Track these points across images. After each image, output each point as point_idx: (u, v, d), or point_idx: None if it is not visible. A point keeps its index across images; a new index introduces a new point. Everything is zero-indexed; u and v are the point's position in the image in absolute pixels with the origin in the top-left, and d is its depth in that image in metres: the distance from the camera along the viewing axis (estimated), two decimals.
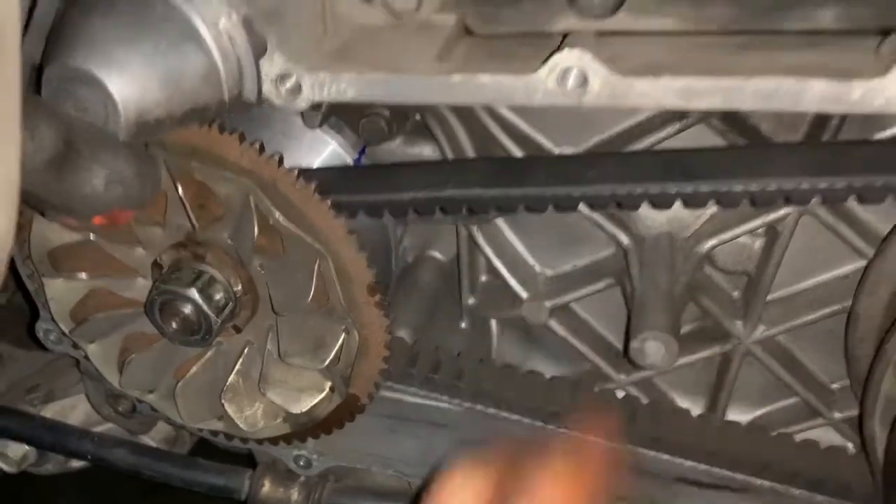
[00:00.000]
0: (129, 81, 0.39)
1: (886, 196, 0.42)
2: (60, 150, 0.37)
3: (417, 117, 0.55)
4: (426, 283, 0.64)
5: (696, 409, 0.59)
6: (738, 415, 0.59)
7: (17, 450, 0.71)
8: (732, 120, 0.48)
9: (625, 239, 0.52)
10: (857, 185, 0.42)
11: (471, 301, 0.62)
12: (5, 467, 0.72)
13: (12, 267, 0.54)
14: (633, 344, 0.47)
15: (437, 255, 0.65)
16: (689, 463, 0.53)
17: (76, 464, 0.74)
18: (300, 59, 0.42)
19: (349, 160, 0.55)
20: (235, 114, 0.45)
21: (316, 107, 0.46)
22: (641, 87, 0.38)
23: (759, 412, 0.59)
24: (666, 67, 0.38)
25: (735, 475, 0.52)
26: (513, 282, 0.58)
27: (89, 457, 0.61)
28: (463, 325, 0.63)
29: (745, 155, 0.45)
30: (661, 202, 0.43)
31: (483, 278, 0.62)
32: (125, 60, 0.39)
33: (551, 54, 0.38)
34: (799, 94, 0.37)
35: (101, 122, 0.39)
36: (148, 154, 0.44)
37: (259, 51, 0.42)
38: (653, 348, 0.47)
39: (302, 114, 0.50)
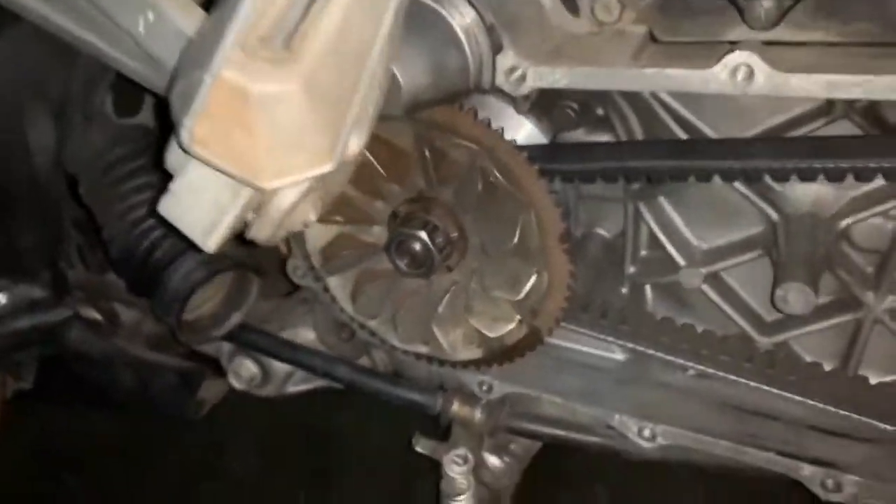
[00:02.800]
0: (409, 71, 0.54)
1: None
2: None
3: (599, 111, 0.68)
4: (592, 254, 0.76)
5: None
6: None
7: (249, 369, 0.88)
8: (870, 115, 0.58)
9: (775, 215, 0.63)
10: None
11: (632, 269, 0.74)
12: (236, 384, 0.90)
13: None
14: (778, 292, 0.58)
15: (602, 231, 0.78)
16: (819, 406, 0.62)
17: (291, 388, 0.90)
18: (526, 56, 0.56)
19: (543, 141, 0.69)
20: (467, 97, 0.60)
21: (526, 97, 0.60)
22: (796, 81, 0.50)
23: (887, 378, 0.67)
24: (816, 67, 0.50)
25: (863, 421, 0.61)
26: (672, 251, 0.70)
27: (318, 371, 0.77)
28: (623, 290, 0.75)
29: (879, 141, 0.55)
30: (808, 175, 0.54)
31: (643, 252, 0.74)
32: (407, 56, 0.54)
33: (725, 54, 0.51)
34: None
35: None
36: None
37: (496, 49, 0.56)
38: (794, 296, 0.57)
39: (514, 100, 0.64)
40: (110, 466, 1.28)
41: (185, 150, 0.39)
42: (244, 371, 0.88)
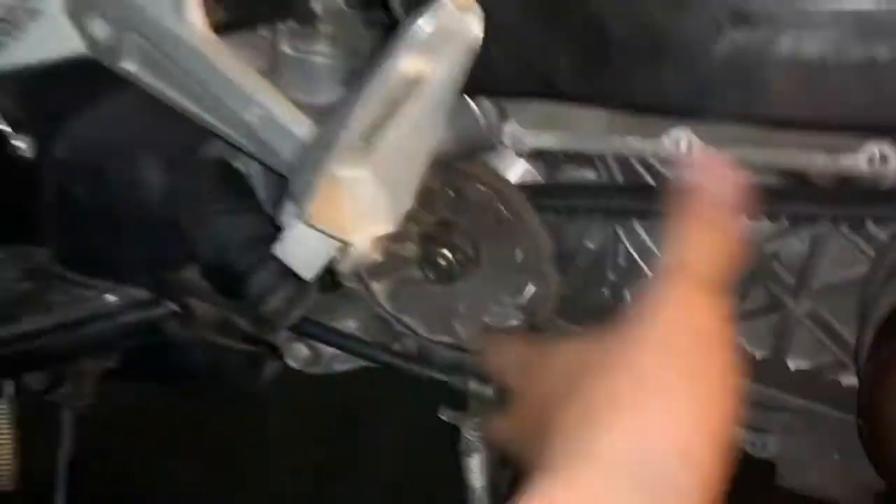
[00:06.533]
0: None
1: None
2: None
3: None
4: (581, 262, 0.96)
5: None
6: None
7: (303, 352, 1.08)
8: None
9: None
10: None
11: (611, 277, 0.93)
12: (293, 364, 1.10)
13: None
14: None
15: (589, 244, 0.97)
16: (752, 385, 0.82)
17: (337, 367, 1.10)
18: (525, 124, 0.75)
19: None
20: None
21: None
22: None
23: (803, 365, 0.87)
24: None
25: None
26: (643, 266, 0.89)
27: (362, 354, 0.97)
28: (605, 292, 0.95)
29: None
30: None
31: (621, 263, 0.93)
32: None
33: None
34: None
35: None
36: None
37: (504, 118, 0.75)
38: None
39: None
40: (165, 434, 1.49)
41: (296, 215, 0.58)
42: (299, 353, 1.08)
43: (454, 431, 0.94)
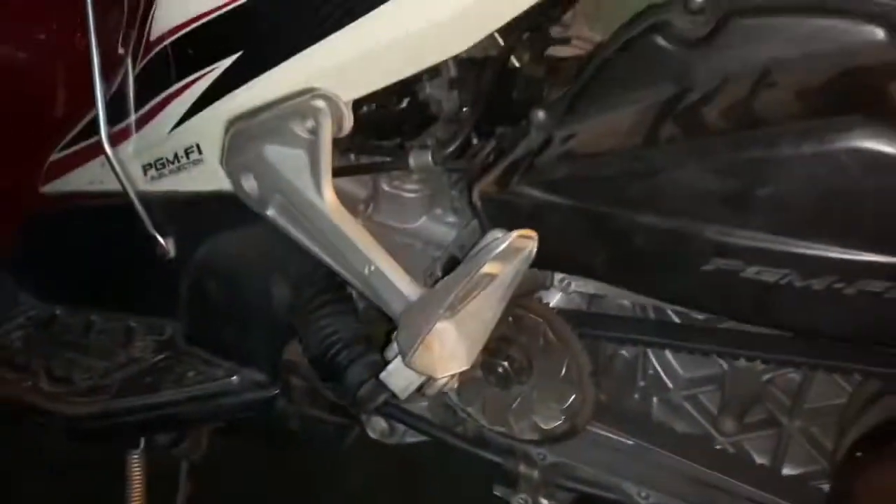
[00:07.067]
0: None
1: None
2: None
3: None
4: (616, 369, 1.16)
5: None
6: None
7: (381, 425, 1.30)
8: None
9: (725, 366, 1.02)
10: None
11: (641, 384, 1.13)
12: (372, 434, 1.31)
13: None
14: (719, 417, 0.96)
15: (624, 353, 1.17)
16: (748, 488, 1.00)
17: (408, 439, 1.32)
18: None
19: None
20: None
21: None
22: None
23: (795, 472, 1.04)
24: None
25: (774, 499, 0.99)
26: (665, 380, 1.08)
27: (432, 435, 1.19)
28: (636, 397, 1.14)
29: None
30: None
31: (650, 372, 1.12)
32: None
33: None
34: None
35: None
36: None
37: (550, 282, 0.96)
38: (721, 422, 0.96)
39: None
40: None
41: (400, 355, 0.80)
42: (377, 426, 1.30)
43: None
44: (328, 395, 1.24)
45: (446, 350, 0.77)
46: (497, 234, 0.72)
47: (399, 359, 0.80)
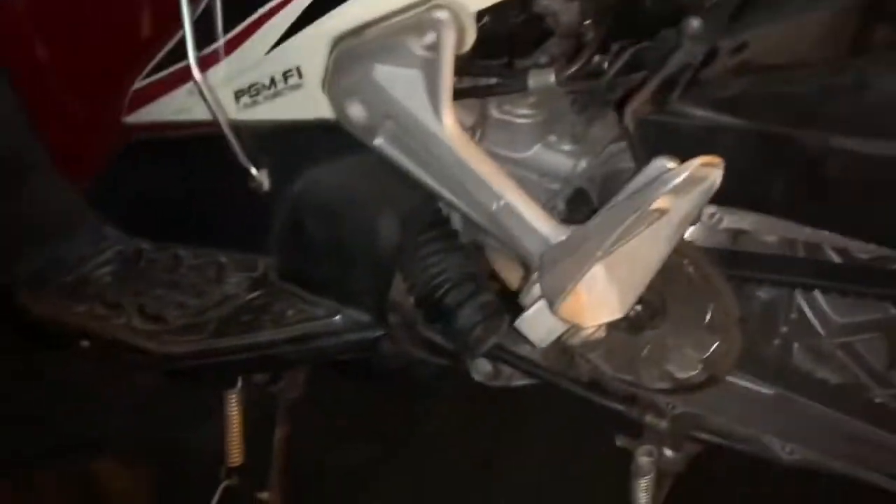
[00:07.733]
0: None
1: None
2: None
3: None
4: (754, 312, 1.04)
5: None
6: None
7: (486, 368, 1.22)
8: None
9: (893, 311, 0.89)
10: None
11: (783, 329, 1.01)
12: (476, 377, 1.24)
13: None
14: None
15: (762, 294, 1.05)
16: None
17: (513, 383, 1.24)
18: None
19: None
20: None
21: None
22: None
23: None
24: None
25: None
26: (815, 322, 0.96)
27: (545, 378, 1.10)
28: (776, 342, 1.03)
29: None
30: None
31: (793, 316, 1.01)
32: None
33: None
34: None
35: None
36: None
37: None
38: None
39: None
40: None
41: (541, 302, 0.71)
42: (483, 368, 1.22)
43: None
44: (431, 336, 1.16)
45: (595, 297, 0.67)
46: (664, 162, 0.61)
47: (539, 305, 0.71)
